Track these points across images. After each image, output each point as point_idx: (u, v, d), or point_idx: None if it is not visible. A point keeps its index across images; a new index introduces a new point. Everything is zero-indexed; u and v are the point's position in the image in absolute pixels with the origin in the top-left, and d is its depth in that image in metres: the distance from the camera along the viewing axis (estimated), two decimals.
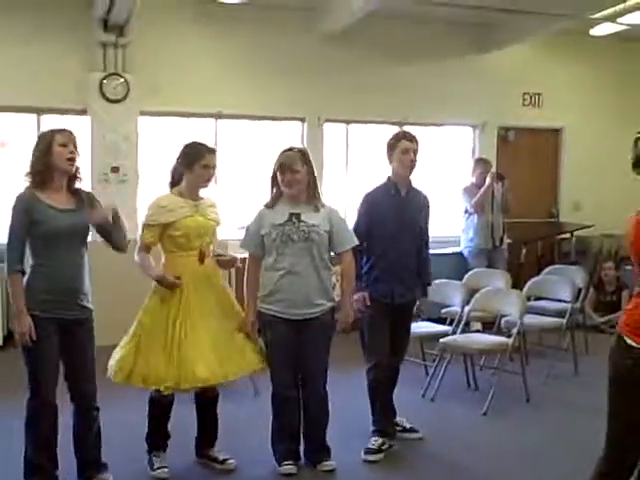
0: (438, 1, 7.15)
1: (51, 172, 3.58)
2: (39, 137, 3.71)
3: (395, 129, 8.87)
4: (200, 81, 7.88)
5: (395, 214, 4.34)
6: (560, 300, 6.26)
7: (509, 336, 5.44)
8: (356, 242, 4.19)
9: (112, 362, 3.92)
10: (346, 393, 4.98)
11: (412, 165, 4.36)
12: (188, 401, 4.16)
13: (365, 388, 4.43)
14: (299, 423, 4.13)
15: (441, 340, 5.41)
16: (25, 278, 3.56)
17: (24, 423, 3.66)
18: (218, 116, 8.22)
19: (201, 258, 3.94)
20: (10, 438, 4.07)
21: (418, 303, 4.57)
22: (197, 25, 7.90)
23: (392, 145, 4.38)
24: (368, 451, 4.32)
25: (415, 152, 4.35)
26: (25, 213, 3.52)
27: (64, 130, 3.66)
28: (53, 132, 3.64)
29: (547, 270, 6.95)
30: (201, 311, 3.89)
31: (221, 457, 4.15)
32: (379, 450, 4.33)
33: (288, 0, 7.62)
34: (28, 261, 3.61)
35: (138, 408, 4.15)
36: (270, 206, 4.08)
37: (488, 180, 7.50)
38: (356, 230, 4.33)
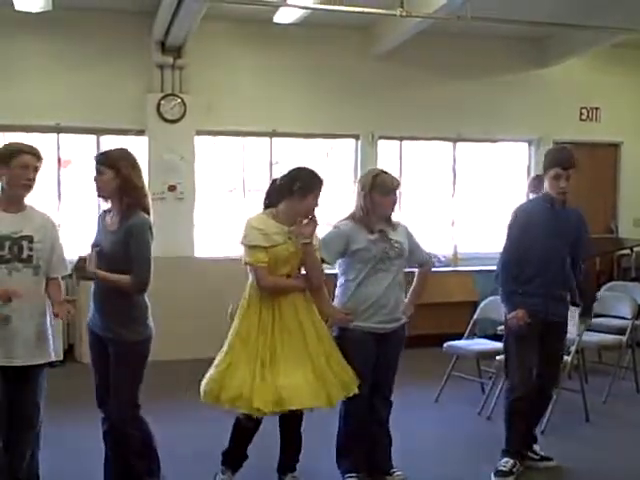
0: (492, 17, 7.11)
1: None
2: None
3: (449, 145, 8.91)
4: (255, 100, 7.98)
5: (550, 227, 4.20)
6: (620, 317, 6.13)
7: (568, 354, 5.33)
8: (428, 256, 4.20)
9: (204, 381, 3.79)
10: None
11: (562, 191, 4.18)
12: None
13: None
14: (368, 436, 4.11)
15: (498, 357, 5.32)
16: None
17: None
18: (273, 134, 8.31)
19: None
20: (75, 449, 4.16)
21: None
22: (252, 45, 8.02)
23: (545, 168, 4.24)
24: (498, 473, 4.21)
25: (568, 178, 4.14)
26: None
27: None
28: None
29: (607, 286, 6.84)
30: (296, 334, 3.78)
31: None
32: (510, 472, 4.22)
33: (341, 20, 7.68)
34: None
35: (208, 423, 4.13)
36: (359, 222, 3.97)
37: None
38: (509, 245, 4.26)
